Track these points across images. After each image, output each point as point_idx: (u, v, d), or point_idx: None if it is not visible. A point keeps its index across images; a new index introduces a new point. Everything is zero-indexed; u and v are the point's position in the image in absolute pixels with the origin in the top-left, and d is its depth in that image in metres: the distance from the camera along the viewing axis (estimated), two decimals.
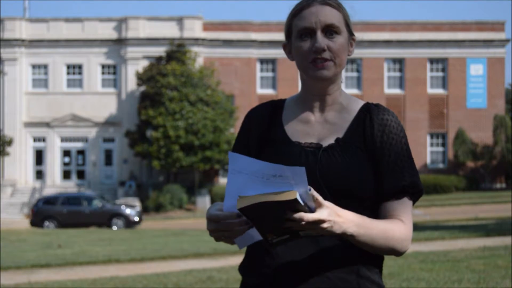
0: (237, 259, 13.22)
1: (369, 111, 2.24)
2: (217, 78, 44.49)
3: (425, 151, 48.12)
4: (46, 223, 32.15)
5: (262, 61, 48.11)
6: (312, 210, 1.96)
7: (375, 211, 2.20)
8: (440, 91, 48.71)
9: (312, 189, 1.95)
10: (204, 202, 42.09)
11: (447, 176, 45.91)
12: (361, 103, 2.29)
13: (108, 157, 47.56)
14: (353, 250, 2.14)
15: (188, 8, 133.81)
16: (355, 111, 2.27)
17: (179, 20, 47.40)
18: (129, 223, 32.12)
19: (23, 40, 47.25)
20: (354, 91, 47.42)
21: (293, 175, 1.93)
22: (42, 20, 48.08)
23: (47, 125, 47.22)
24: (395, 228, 2.14)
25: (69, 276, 12.32)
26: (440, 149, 48.59)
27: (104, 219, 32.42)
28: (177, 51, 43.65)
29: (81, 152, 47.64)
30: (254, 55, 47.70)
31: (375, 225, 2.10)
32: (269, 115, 2.33)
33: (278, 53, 46.85)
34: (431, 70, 48.78)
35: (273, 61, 47.97)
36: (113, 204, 34.60)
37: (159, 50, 45.80)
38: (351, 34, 2.27)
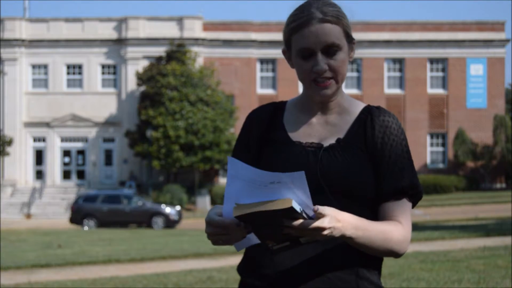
0: (237, 259, 13.22)
1: (370, 113, 2.25)
2: (217, 78, 44.51)
3: (425, 151, 48.13)
4: (86, 221, 31.86)
5: (262, 61, 48.11)
6: (310, 217, 1.96)
7: (375, 211, 2.21)
8: (440, 91, 48.72)
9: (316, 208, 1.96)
10: (204, 202, 42.08)
11: (447, 176, 45.91)
12: (362, 105, 2.30)
13: (108, 157, 47.57)
14: (353, 252, 2.14)
15: (188, 8, 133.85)
16: (356, 113, 2.27)
17: (179, 20, 47.41)
18: (169, 222, 31.85)
19: (23, 40, 47.26)
20: (354, 91, 47.43)
21: (292, 180, 1.92)
22: (42, 20, 48.09)
23: (47, 125, 47.23)
24: (393, 230, 2.15)
25: (69, 276, 12.32)
26: (440, 149, 48.59)
27: (144, 218, 32.19)
28: (177, 51, 43.66)
29: (81, 152, 47.65)
30: (254, 55, 47.71)
31: (373, 227, 2.11)
32: (270, 116, 2.34)
33: (278, 53, 46.82)
34: (431, 70, 48.79)
35: (273, 61, 47.98)
36: (153, 202, 34.62)
37: (159, 50, 45.80)
38: (351, 40, 2.25)
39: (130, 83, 46.51)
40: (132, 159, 45.95)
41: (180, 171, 44.25)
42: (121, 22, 47.43)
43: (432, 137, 48.64)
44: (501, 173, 47.48)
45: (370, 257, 2.18)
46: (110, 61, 47.52)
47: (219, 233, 2.05)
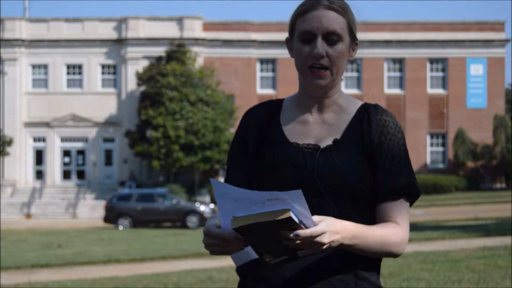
0: None
1: (367, 112, 2.24)
2: (217, 78, 44.51)
3: (425, 151, 48.12)
4: (120, 219, 31.63)
5: (262, 61, 48.11)
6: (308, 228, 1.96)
7: (373, 212, 2.21)
8: (440, 91, 48.71)
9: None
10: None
11: (447, 176, 45.90)
12: (359, 103, 2.28)
13: (108, 157, 47.57)
14: (352, 253, 2.13)
15: (188, 8, 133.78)
16: (353, 111, 2.26)
17: (179, 20, 47.41)
18: (203, 220, 31.61)
19: (23, 40, 47.26)
20: (354, 91, 47.41)
21: (290, 198, 1.90)
22: (42, 20, 48.09)
23: (47, 125, 47.23)
24: (391, 232, 2.14)
25: (69, 276, 12.32)
26: (440, 149, 48.59)
27: (179, 216, 31.98)
28: (177, 51, 43.66)
29: (81, 152, 47.65)
30: (254, 55, 47.71)
31: (371, 232, 2.10)
32: (267, 115, 2.33)
33: (278, 53, 46.86)
34: (431, 70, 48.79)
35: (273, 61, 47.98)
36: (187, 201, 34.52)
37: (159, 50, 45.80)
38: (354, 39, 2.25)
39: (130, 83, 46.51)
40: (132, 159, 45.95)
41: (180, 171, 44.25)
42: (121, 22, 47.43)
43: (432, 137, 48.64)
44: (501, 173, 47.47)
45: (369, 257, 2.17)
46: (110, 61, 47.52)
47: (217, 244, 2.05)
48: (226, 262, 13.66)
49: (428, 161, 48.18)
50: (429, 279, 9.46)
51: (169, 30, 47.14)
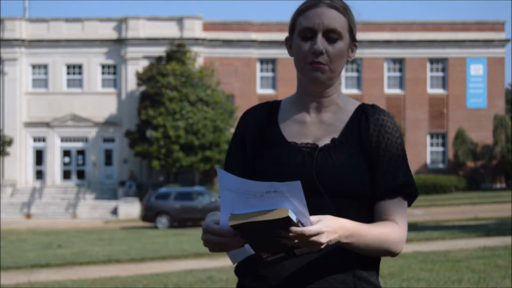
0: None
1: (364, 112, 2.25)
2: (217, 78, 44.52)
3: (425, 151, 48.12)
4: (159, 218, 31.47)
5: (262, 61, 48.11)
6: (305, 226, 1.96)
7: (372, 211, 2.21)
8: (440, 91, 48.71)
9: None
10: None
11: (447, 176, 45.89)
12: (357, 103, 2.30)
13: (108, 157, 47.57)
14: (350, 252, 2.14)
15: (188, 8, 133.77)
16: (351, 111, 2.27)
17: (179, 20, 47.41)
18: None
19: (23, 40, 47.25)
20: (354, 91, 47.41)
21: (288, 190, 1.91)
22: (42, 20, 48.09)
23: (47, 125, 47.23)
24: (389, 231, 2.15)
25: (69, 276, 12.32)
26: (440, 149, 48.59)
27: None
28: (177, 51, 43.66)
29: (81, 152, 47.64)
30: (254, 55, 47.71)
31: (369, 230, 2.11)
32: (265, 116, 2.33)
33: (278, 53, 46.86)
34: (431, 70, 48.78)
35: (273, 61, 47.98)
36: None
37: (159, 50, 45.81)
38: (353, 40, 2.26)
39: (130, 83, 46.51)
40: (132, 159, 45.95)
41: (180, 171, 44.25)
42: (121, 22, 47.43)
43: (432, 137, 48.64)
44: (501, 173, 47.47)
45: (367, 257, 2.18)
46: (110, 61, 47.52)
47: (215, 241, 2.05)
48: (226, 262, 13.65)
49: (428, 161, 48.18)
50: (429, 279, 9.46)
51: (169, 30, 47.14)
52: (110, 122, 47.27)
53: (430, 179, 44.48)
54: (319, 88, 2.25)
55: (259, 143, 2.29)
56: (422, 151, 47.83)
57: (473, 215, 28.17)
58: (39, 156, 47.51)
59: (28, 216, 41.45)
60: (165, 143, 41.43)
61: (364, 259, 2.17)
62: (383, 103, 46.69)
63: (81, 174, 47.41)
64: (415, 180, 2.24)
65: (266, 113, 2.34)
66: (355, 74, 48.32)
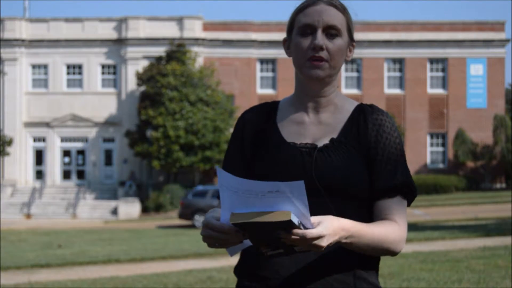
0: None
1: (363, 111, 2.26)
2: (217, 78, 44.52)
3: (425, 151, 48.12)
4: (196, 216, 31.21)
5: (262, 61, 48.11)
6: (307, 228, 1.95)
7: (371, 210, 2.22)
8: (440, 91, 48.71)
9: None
10: None
11: (447, 176, 45.89)
12: (355, 103, 2.31)
13: (108, 157, 47.56)
14: (350, 252, 2.14)
15: (188, 8, 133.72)
16: (349, 111, 2.28)
17: (179, 20, 47.41)
18: None
19: (23, 40, 47.25)
20: (354, 91, 47.39)
21: (291, 190, 1.90)
22: (42, 20, 48.09)
23: (47, 125, 47.23)
24: (389, 230, 2.15)
25: (69, 276, 12.32)
26: (440, 149, 48.58)
27: None
28: (177, 51, 43.66)
29: (81, 152, 47.64)
30: (254, 55, 47.71)
31: (369, 230, 2.11)
32: (263, 116, 2.34)
33: (278, 53, 46.85)
34: (431, 70, 48.78)
35: (273, 61, 47.98)
36: None
37: (159, 50, 45.81)
38: (351, 39, 2.28)
39: (130, 83, 46.52)
40: (132, 159, 45.95)
41: (180, 171, 44.25)
42: (121, 22, 47.43)
43: (432, 137, 48.63)
44: (501, 173, 47.47)
45: (367, 257, 2.18)
46: (110, 61, 47.52)
47: (215, 237, 2.05)
48: (226, 262, 13.66)
49: (428, 161, 48.18)
50: (429, 279, 9.46)
51: (169, 30, 47.14)
52: (110, 122, 47.26)
53: (430, 179, 44.48)
54: (318, 87, 2.26)
55: (258, 144, 2.29)
56: (422, 151, 47.83)
57: (473, 215, 28.16)
58: (39, 156, 47.52)
59: (28, 216, 41.45)
60: (165, 143, 41.43)
61: (363, 259, 2.17)
62: (383, 103, 46.68)
63: (81, 174, 47.41)
64: (415, 180, 2.25)
65: (265, 114, 2.35)
66: (355, 74, 48.31)
